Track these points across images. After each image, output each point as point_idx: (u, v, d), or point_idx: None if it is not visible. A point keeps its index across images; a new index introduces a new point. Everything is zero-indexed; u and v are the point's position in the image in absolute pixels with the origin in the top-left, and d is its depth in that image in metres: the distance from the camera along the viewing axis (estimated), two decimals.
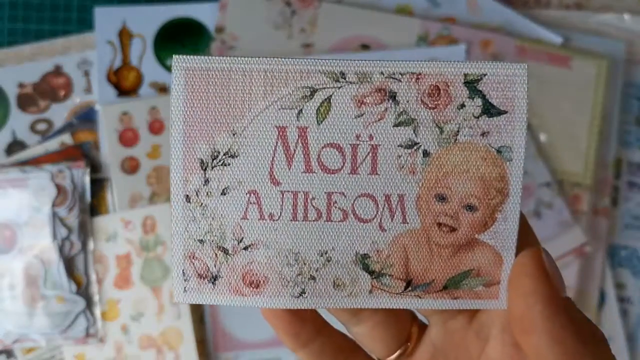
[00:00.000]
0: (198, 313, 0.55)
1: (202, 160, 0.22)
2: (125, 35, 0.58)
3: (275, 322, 0.25)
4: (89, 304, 0.55)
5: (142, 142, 0.57)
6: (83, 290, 0.55)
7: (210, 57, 0.22)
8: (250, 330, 0.55)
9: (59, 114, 0.58)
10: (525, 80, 0.22)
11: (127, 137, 0.57)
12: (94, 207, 0.56)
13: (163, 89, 0.58)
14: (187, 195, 0.22)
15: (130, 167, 0.57)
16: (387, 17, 0.58)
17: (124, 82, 0.58)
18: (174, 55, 0.22)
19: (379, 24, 0.58)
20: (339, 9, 0.58)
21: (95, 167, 0.57)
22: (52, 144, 0.57)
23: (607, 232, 0.57)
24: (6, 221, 0.54)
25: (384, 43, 0.58)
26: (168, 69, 0.59)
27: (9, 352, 0.55)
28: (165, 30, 0.59)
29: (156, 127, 0.57)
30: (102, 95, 0.58)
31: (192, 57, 0.22)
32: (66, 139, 0.57)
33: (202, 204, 0.22)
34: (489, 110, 0.22)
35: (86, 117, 0.58)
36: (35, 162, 0.56)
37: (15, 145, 0.57)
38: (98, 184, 0.57)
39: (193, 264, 0.22)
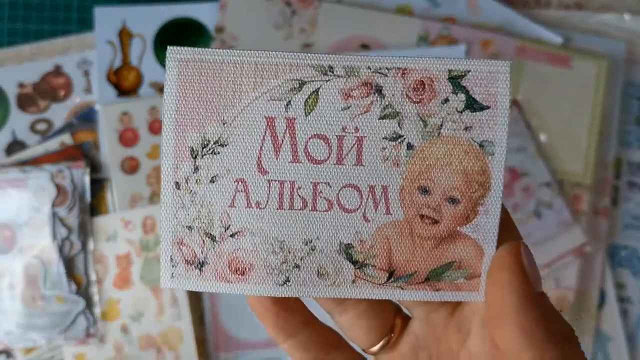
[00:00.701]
0: (198, 313, 0.55)
1: (192, 148, 0.22)
2: (125, 35, 0.58)
3: (262, 312, 0.25)
4: (89, 304, 0.55)
5: (142, 142, 0.57)
6: (83, 290, 0.55)
7: (203, 49, 0.22)
8: (250, 330, 0.55)
9: (59, 114, 0.58)
10: (508, 76, 0.22)
11: (127, 137, 0.57)
12: (94, 207, 0.56)
13: (163, 89, 0.58)
14: (177, 182, 0.23)
15: (130, 167, 0.57)
16: (387, 17, 0.58)
17: (124, 82, 0.58)
18: (168, 47, 0.22)
19: (379, 24, 0.58)
20: (339, 9, 0.58)
21: (95, 167, 0.57)
22: (52, 144, 0.57)
23: (607, 232, 0.57)
24: (6, 221, 0.54)
25: (384, 43, 0.58)
26: None
27: (8, 352, 0.55)
28: (165, 30, 0.59)
29: (156, 127, 0.57)
30: (102, 95, 0.58)
31: (185, 48, 0.23)
32: (66, 139, 0.57)
33: (191, 190, 0.23)
34: (472, 105, 0.22)
35: (86, 117, 0.58)
36: (35, 162, 0.56)
37: (15, 145, 0.57)
38: (98, 184, 0.57)
39: (181, 250, 0.23)
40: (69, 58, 0.58)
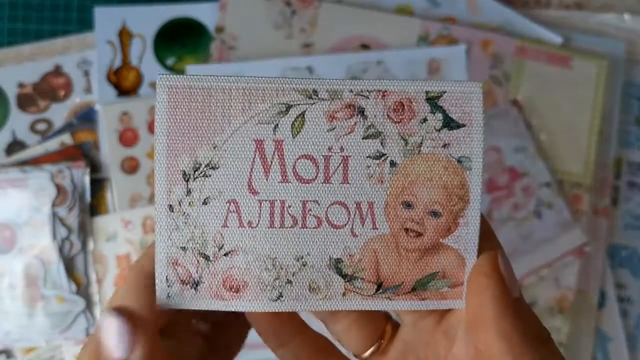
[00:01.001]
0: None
1: (184, 172, 0.23)
2: (125, 35, 0.58)
3: (256, 321, 0.26)
4: (89, 304, 0.55)
5: (142, 142, 0.57)
6: (83, 290, 0.55)
7: (192, 76, 0.23)
8: (250, 330, 0.55)
9: (59, 114, 0.58)
10: (481, 96, 0.23)
11: (127, 137, 0.57)
12: (94, 207, 0.56)
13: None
14: (171, 205, 0.23)
15: (130, 167, 0.57)
16: (387, 17, 0.58)
17: (123, 82, 0.58)
18: (158, 74, 0.24)
19: (379, 24, 0.58)
20: (339, 9, 0.58)
21: (95, 167, 0.57)
22: (52, 144, 0.57)
23: (607, 232, 0.57)
24: (6, 221, 0.54)
25: (384, 43, 0.58)
26: (168, 69, 0.59)
27: (8, 352, 0.55)
28: (165, 30, 0.59)
29: None
30: (102, 95, 0.58)
31: (175, 76, 0.23)
32: (66, 139, 0.57)
33: (184, 213, 0.23)
34: (449, 123, 0.23)
35: (86, 117, 0.58)
36: (35, 162, 0.56)
37: (15, 145, 0.57)
38: (98, 184, 0.57)
39: (176, 270, 0.24)
40: (69, 58, 0.58)
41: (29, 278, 0.54)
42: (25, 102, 0.58)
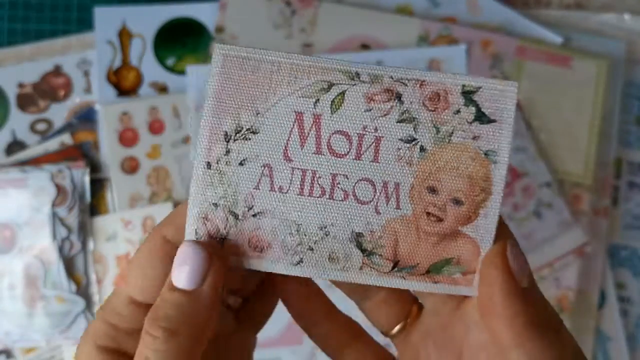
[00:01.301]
0: None
1: (226, 132, 0.25)
2: (125, 35, 0.58)
3: (289, 301, 0.29)
4: (89, 304, 0.55)
5: (142, 142, 0.57)
6: (83, 290, 0.55)
7: (246, 48, 0.25)
8: None
9: (58, 114, 0.58)
10: (515, 95, 0.24)
11: (127, 137, 0.57)
12: (94, 207, 0.56)
13: (163, 89, 0.58)
14: (209, 162, 0.25)
15: (130, 167, 0.57)
16: (387, 17, 0.58)
17: (123, 82, 0.58)
18: (215, 44, 0.25)
19: (379, 24, 0.58)
20: (339, 9, 0.58)
21: (95, 167, 0.57)
22: (52, 144, 0.57)
23: (607, 232, 0.57)
24: (6, 221, 0.54)
25: (384, 43, 0.58)
26: (168, 69, 0.59)
27: (8, 352, 0.55)
28: (165, 30, 0.59)
29: (156, 127, 0.57)
30: (102, 95, 0.58)
31: (231, 46, 0.25)
32: (66, 139, 0.57)
33: (220, 171, 0.25)
34: (481, 117, 0.24)
35: (86, 117, 0.58)
36: (35, 162, 0.56)
37: (15, 145, 0.57)
38: (98, 184, 0.57)
39: (205, 224, 0.25)
40: (69, 58, 0.58)
41: (29, 278, 0.54)
42: (25, 102, 0.58)
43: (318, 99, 0.25)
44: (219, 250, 0.25)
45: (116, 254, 0.55)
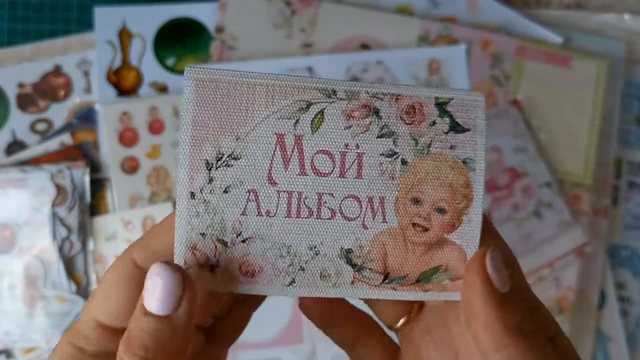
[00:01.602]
0: None
1: (207, 161, 0.24)
2: (125, 35, 0.58)
3: (307, 308, 0.29)
4: None
5: (142, 142, 0.57)
6: (83, 290, 0.55)
7: (218, 70, 0.25)
8: (250, 330, 0.55)
9: (58, 114, 0.58)
10: (483, 105, 0.25)
11: (127, 137, 0.57)
12: (94, 207, 0.56)
13: (163, 89, 0.58)
14: (192, 192, 0.24)
15: (130, 167, 0.57)
16: (387, 17, 0.58)
17: (123, 82, 0.58)
18: (186, 66, 0.24)
19: (379, 24, 0.58)
20: (339, 9, 0.58)
21: (95, 167, 0.57)
22: (52, 144, 0.57)
23: (607, 232, 0.57)
24: (6, 221, 0.54)
25: (384, 43, 0.58)
26: (168, 69, 0.59)
27: (8, 352, 0.55)
28: (165, 30, 0.59)
29: (156, 127, 0.57)
30: (102, 95, 0.58)
31: (202, 69, 0.24)
32: (66, 139, 0.57)
33: (205, 200, 0.24)
34: (456, 127, 0.25)
35: (86, 117, 0.58)
36: (35, 162, 0.56)
37: (15, 145, 0.57)
38: (98, 184, 0.57)
39: (194, 254, 0.25)
40: (69, 58, 0.58)
41: (29, 278, 0.54)
42: (25, 102, 0.58)
43: (298, 120, 0.25)
44: (209, 278, 0.24)
45: (116, 254, 0.55)
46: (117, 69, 0.58)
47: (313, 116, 0.25)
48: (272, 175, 0.25)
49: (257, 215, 0.25)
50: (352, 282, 0.25)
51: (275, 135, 0.24)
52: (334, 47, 0.58)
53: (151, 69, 0.58)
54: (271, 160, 0.24)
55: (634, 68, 0.59)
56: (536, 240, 0.55)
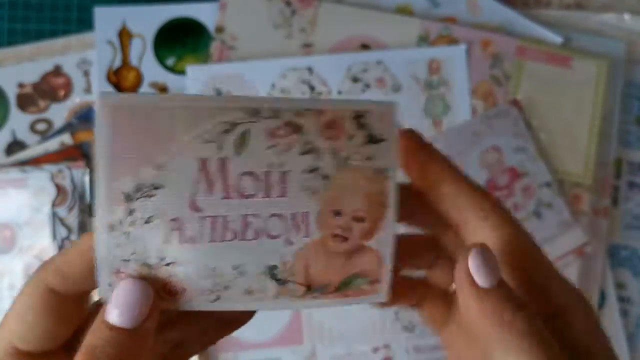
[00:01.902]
0: None
1: (127, 194, 0.23)
2: (125, 35, 0.58)
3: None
4: None
5: None
6: None
7: (134, 95, 0.24)
8: (250, 330, 0.55)
9: (58, 113, 0.58)
10: (397, 114, 0.26)
11: None
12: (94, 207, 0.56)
13: (163, 89, 0.58)
14: (111, 225, 0.23)
15: None
16: (387, 17, 0.58)
17: (123, 82, 0.58)
18: (99, 92, 0.23)
19: (379, 24, 0.58)
20: (339, 9, 0.58)
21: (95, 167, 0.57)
22: (52, 144, 0.57)
23: (607, 232, 0.57)
24: (6, 221, 0.54)
25: (384, 43, 0.58)
26: (168, 69, 0.59)
27: None
28: (165, 30, 0.59)
29: None
30: None
31: (117, 95, 0.23)
32: (66, 139, 0.57)
33: (125, 232, 0.23)
34: (372, 139, 0.26)
35: (86, 117, 0.58)
36: (35, 162, 0.56)
37: (15, 145, 0.57)
38: None
39: (118, 277, 0.24)
40: (69, 58, 0.58)
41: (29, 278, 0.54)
42: (25, 102, 0.58)
43: (222, 143, 0.24)
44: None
45: None
46: (117, 69, 0.58)
47: (237, 138, 0.24)
48: (197, 201, 0.24)
49: (180, 243, 0.24)
50: (276, 296, 0.25)
51: (198, 161, 0.24)
52: (334, 47, 0.58)
53: (151, 69, 0.58)
54: (195, 187, 0.24)
55: (634, 68, 0.59)
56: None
